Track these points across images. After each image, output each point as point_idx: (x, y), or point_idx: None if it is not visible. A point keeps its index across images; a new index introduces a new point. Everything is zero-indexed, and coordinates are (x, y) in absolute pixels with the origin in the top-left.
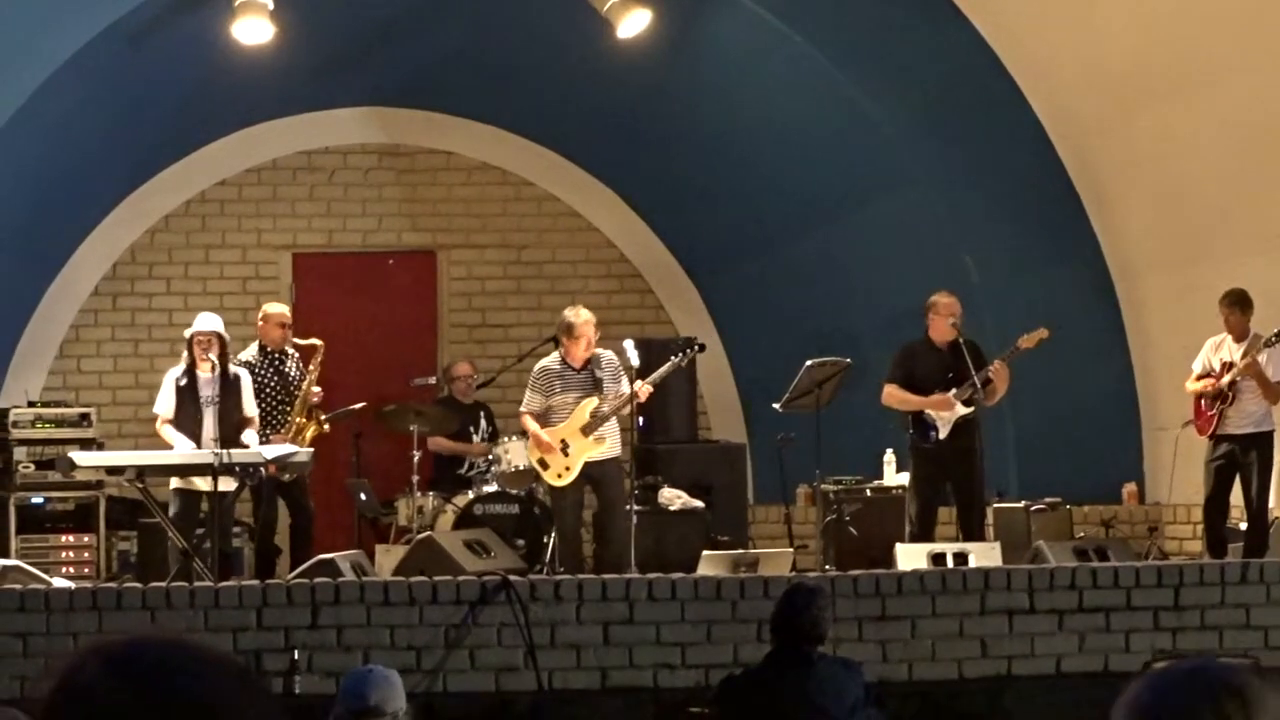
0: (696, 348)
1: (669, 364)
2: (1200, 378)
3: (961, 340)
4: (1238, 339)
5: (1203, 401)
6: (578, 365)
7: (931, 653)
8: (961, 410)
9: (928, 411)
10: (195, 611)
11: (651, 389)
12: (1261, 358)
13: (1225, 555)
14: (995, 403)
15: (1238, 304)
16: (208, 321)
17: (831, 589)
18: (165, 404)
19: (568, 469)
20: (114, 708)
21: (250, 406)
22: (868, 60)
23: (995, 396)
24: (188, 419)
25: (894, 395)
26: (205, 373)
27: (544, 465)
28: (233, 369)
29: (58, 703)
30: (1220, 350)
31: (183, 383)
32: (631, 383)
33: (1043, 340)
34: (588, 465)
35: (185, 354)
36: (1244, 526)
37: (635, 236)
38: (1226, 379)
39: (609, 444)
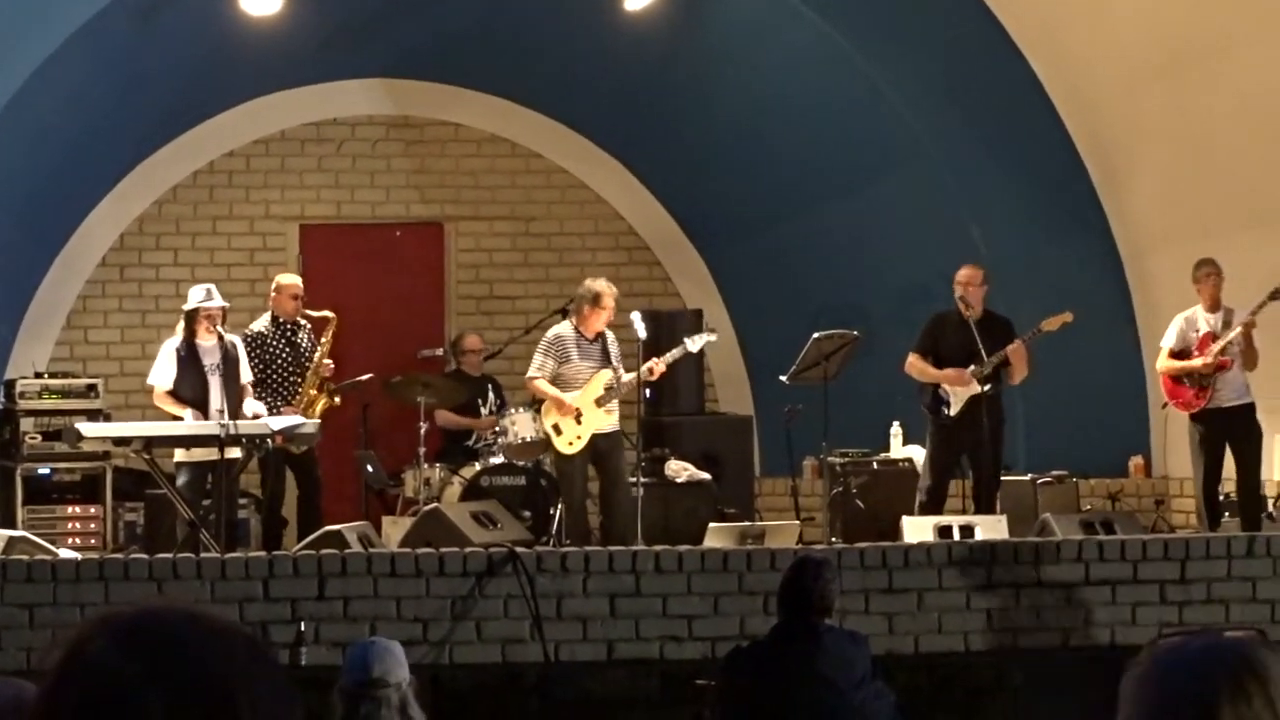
0: (709, 336)
1: (680, 348)
2: (1176, 354)
3: (991, 316)
4: (1213, 308)
5: (1185, 378)
6: (591, 336)
7: (938, 625)
8: (976, 388)
9: (943, 385)
10: (202, 582)
11: (664, 369)
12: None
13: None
14: (1019, 382)
15: (1217, 272)
16: (215, 295)
17: (838, 561)
18: (165, 375)
19: (579, 438)
20: (122, 680)
21: (246, 373)
22: (877, 34)
23: (1017, 377)
24: (191, 388)
25: (914, 365)
26: (208, 341)
27: (557, 431)
28: (229, 337)
29: (65, 675)
30: (1196, 324)
31: (183, 353)
32: (638, 358)
33: (1066, 324)
34: (594, 437)
35: (183, 327)
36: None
37: (644, 209)
38: (1217, 346)
39: (614, 416)
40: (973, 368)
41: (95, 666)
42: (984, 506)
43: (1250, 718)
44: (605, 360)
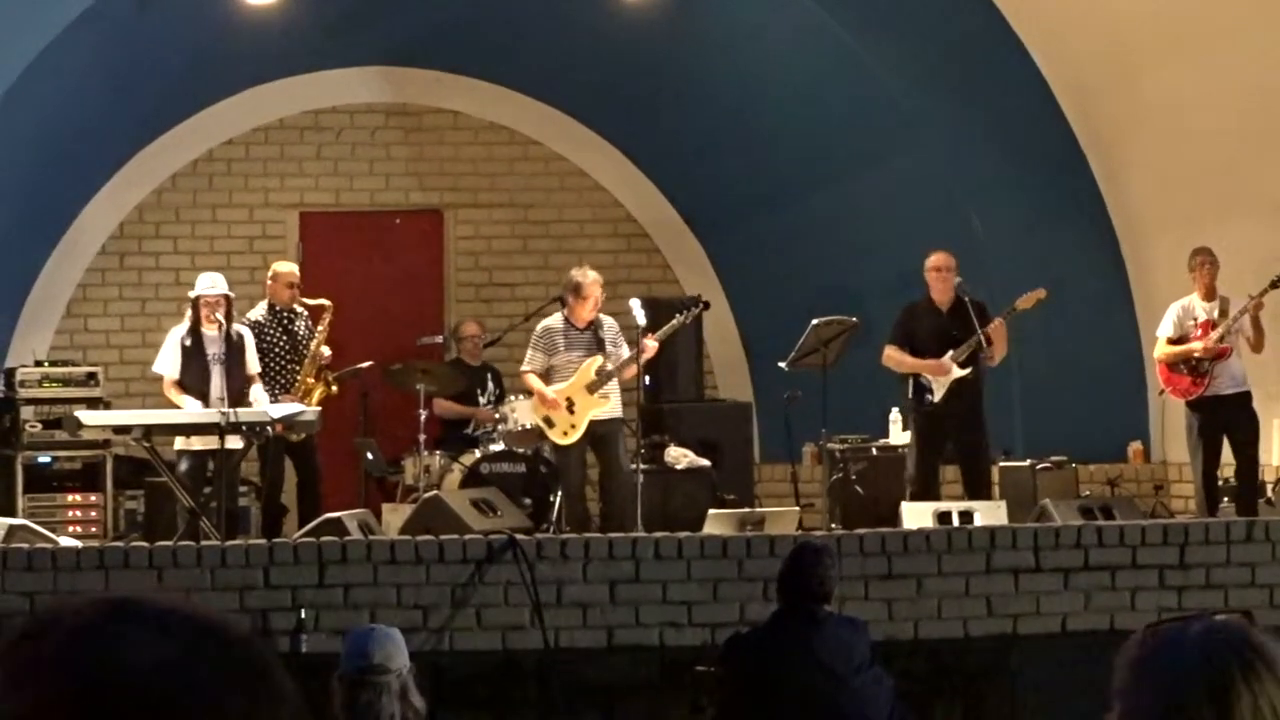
0: (701, 305)
1: (674, 321)
2: (1174, 342)
3: (967, 300)
4: (1208, 296)
5: (1182, 366)
6: (581, 325)
7: (937, 611)
8: (957, 373)
9: (923, 375)
10: (202, 570)
11: (657, 345)
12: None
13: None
14: (997, 363)
15: (1212, 260)
16: (216, 283)
17: (838, 548)
18: (170, 364)
19: (573, 427)
20: (47, 694)
21: (254, 364)
22: (874, 19)
23: (995, 358)
24: (195, 377)
25: (892, 357)
26: (212, 330)
27: (549, 424)
28: (236, 328)
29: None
30: (1194, 313)
31: (188, 342)
32: (637, 345)
33: (1040, 301)
34: (591, 424)
35: (189, 314)
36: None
37: (642, 195)
38: (1218, 332)
39: (612, 403)
40: (951, 353)
41: (30, 678)
42: (976, 491)
43: (1261, 694)
44: (597, 348)
